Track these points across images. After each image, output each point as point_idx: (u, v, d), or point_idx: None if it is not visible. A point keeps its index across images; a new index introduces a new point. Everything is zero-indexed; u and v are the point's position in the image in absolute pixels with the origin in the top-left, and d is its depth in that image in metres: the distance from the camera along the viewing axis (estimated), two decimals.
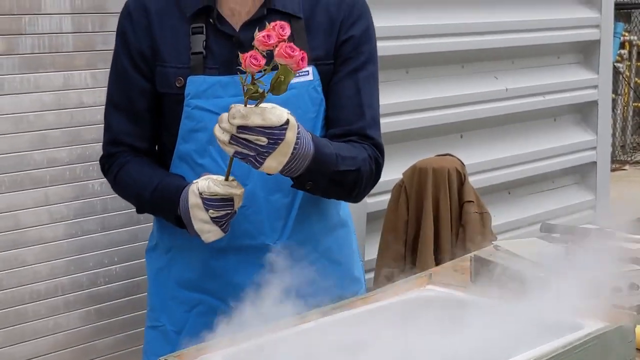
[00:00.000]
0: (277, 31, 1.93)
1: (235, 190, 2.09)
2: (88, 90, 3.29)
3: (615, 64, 9.99)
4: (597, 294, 2.35)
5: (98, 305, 3.37)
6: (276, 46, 1.94)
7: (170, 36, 2.27)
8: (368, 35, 2.34)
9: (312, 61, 2.26)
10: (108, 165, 2.36)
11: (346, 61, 2.30)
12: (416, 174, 4.17)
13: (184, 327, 2.32)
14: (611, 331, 1.77)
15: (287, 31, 1.95)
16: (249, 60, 1.91)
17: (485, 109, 4.90)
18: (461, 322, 1.86)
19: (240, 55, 1.94)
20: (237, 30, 2.26)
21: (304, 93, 2.27)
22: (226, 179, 2.10)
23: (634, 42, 11.21)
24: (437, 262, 3.85)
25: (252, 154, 2.00)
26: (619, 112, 11.14)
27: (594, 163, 5.60)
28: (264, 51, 1.93)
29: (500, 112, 5.01)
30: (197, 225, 2.12)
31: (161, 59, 2.27)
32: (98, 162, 2.42)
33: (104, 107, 2.40)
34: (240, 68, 1.95)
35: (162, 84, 2.28)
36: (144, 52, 2.29)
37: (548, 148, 5.31)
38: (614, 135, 10.63)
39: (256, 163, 2.02)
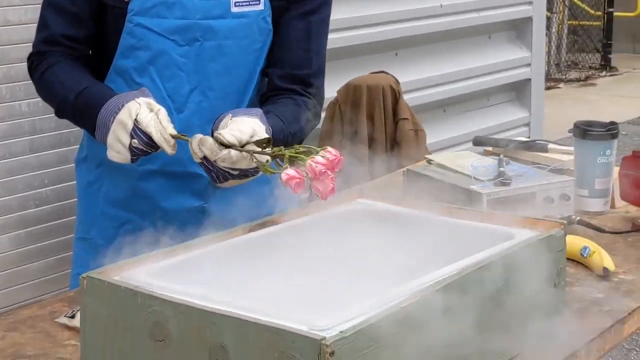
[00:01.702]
0: (333, 165, 1.76)
1: (167, 148, 1.97)
2: (14, 8, 3.20)
3: None
4: (528, 205, 2.37)
5: (28, 229, 3.32)
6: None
7: None
8: None
9: None
10: (37, 62, 2.24)
11: (301, 0, 2.25)
12: (351, 92, 4.14)
13: (112, 241, 2.28)
14: (541, 240, 1.77)
15: (340, 166, 1.79)
16: (294, 184, 1.74)
17: (420, 26, 4.87)
18: (393, 234, 1.85)
19: (285, 171, 1.75)
20: None
21: (252, 22, 2.21)
22: (171, 134, 1.97)
23: None
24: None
25: (217, 174, 1.94)
26: (554, 30, 11.18)
27: (529, 80, 5.62)
28: (308, 176, 1.76)
29: (435, 29, 4.99)
30: (111, 140, 2.02)
31: None
32: (27, 70, 2.26)
33: (30, 25, 2.32)
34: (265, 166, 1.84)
35: None
36: None
37: (483, 65, 5.31)
38: (549, 53, 10.69)
39: (217, 180, 1.96)
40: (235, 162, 1.89)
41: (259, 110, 2.04)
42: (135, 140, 1.98)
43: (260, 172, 1.89)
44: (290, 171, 1.73)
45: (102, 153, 2.21)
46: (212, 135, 1.93)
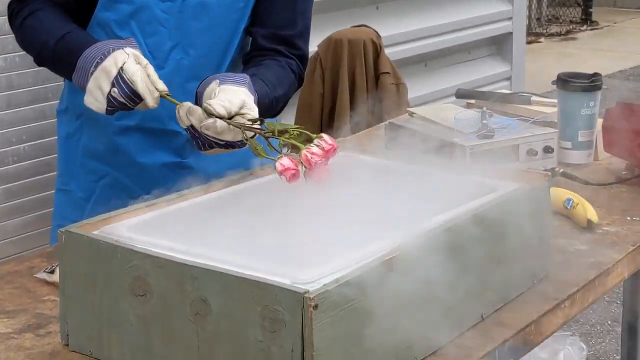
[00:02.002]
0: (328, 154, 1.74)
1: (150, 99, 1.93)
2: None
3: None
4: (511, 157, 2.36)
5: (7, 185, 3.29)
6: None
7: None
8: None
9: None
10: (18, 10, 2.19)
11: None
12: (331, 46, 4.11)
13: (92, 195, 2.26)
14: (525, 192, 1.75)
15: (334, 153, 1.77)
16: (289, 175, 1.71)
17: None
18: (375, 187, 1.83)
19: (280, 161, 1.72)
20: None
21: None
22: (158, 90, 1.94)
23: None
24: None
25: (204, 142, 1.90)
26: None
27: (510, 34, 5.60)
28: (303, 165, 1.73)
29: None
30: (91, 86, 1.97)
31: None
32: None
33: None
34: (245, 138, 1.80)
35: None
36: None
37: (464, 19, 5.28)
38: (530, 7, 10.65)
39: (202, 147, 1.93)
40: (220, 133, 1.86)
41: (246, 77, 1.99)
42: (116, 90, 1.93)
43: (247, 145, 1.87)
44: (285, 161, 1.71)
45: (83, 104, 2.17)
46: (196, 100, 1.90)
